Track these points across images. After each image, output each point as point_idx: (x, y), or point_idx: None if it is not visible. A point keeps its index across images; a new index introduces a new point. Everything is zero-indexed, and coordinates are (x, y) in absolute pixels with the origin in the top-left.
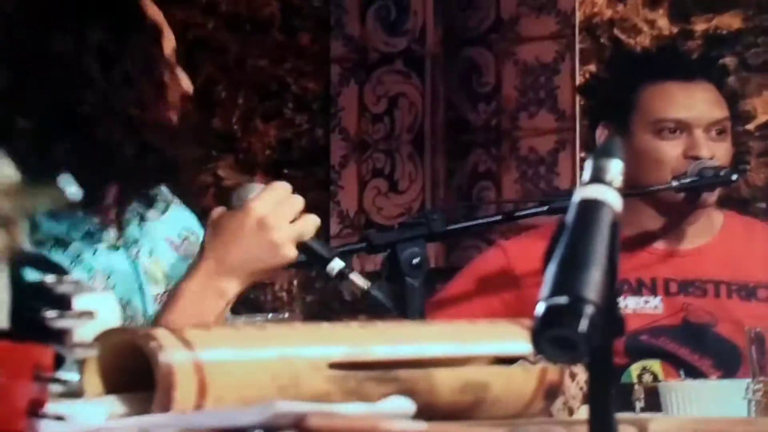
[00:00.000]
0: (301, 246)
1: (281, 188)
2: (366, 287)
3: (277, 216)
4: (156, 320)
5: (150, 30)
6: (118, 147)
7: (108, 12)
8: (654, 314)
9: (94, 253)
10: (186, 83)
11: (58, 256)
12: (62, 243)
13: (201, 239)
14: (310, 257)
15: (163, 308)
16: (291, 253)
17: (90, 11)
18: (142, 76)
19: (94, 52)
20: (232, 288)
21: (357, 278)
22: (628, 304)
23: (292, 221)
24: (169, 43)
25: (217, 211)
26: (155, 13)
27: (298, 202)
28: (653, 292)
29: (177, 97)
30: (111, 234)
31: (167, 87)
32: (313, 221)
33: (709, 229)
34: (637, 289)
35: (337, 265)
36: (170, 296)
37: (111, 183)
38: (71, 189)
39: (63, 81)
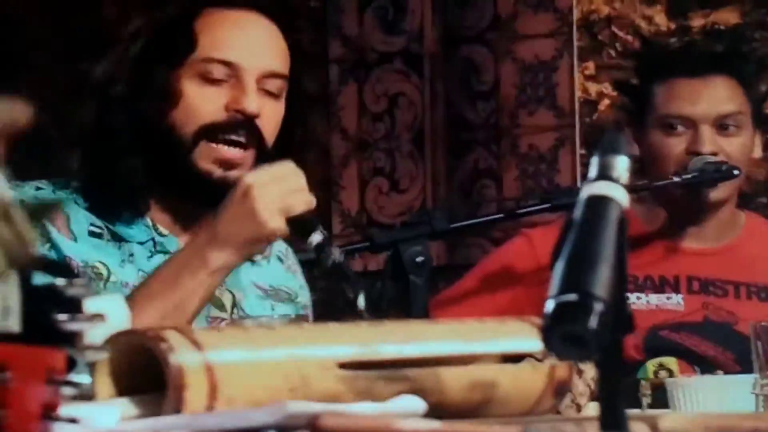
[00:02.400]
0: (290, 220)
1: (281, 165)
2: (341, 261)
3: (265, 187)
4: (141, 285)
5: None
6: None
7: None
8: (676, 310)
9: (149, 258)
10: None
11: (109, 249)
12: (118, 239)
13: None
14: (294, 228)
15: (151, 274)
16: (276, 224)
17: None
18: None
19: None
20: (218, 258)
21: (335, 251)
22: (650, 300)
23: (287, 197)
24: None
25: None
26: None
27: (297, 179)
28: (676, 289)
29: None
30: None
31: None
32: (303, 197)
33: (733, 230)
34: (660, 286)
35: (316, 238)
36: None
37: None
38: None
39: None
